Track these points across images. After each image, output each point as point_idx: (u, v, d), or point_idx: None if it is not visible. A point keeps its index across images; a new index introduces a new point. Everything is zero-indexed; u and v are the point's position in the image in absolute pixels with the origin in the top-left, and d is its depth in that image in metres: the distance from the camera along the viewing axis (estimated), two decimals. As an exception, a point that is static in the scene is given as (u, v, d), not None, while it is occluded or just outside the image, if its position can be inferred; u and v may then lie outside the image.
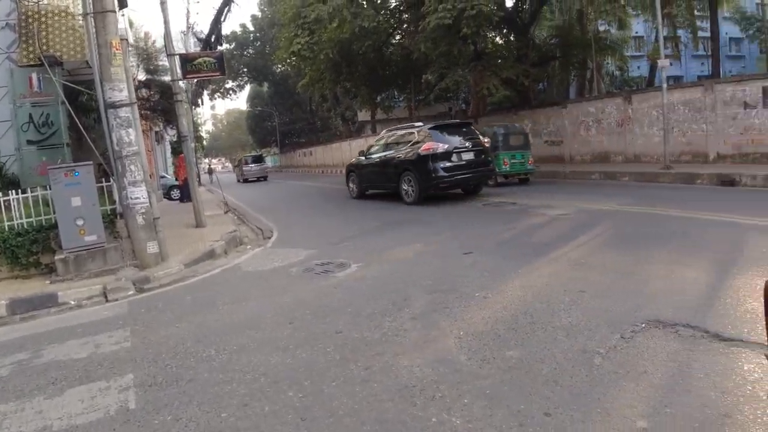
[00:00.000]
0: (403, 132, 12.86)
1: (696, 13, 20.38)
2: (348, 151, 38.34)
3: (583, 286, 4.90)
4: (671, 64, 18.72)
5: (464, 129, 12.43)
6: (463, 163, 11.60)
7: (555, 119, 20.35)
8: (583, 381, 3.06)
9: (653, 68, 23.44)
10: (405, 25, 21.84)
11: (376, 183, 13.74)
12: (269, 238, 9.27)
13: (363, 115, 39.91)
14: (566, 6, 24.21)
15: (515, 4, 20.68)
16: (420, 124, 12.86)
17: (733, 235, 6.67)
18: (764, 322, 2.15)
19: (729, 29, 26.01)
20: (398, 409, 2.86)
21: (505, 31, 21.73)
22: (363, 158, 14.18)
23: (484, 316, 4.25)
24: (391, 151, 12.73)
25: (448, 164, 11.40)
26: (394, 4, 20.88)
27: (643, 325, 3.86)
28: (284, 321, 4.48)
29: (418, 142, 11.86)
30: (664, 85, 14.39)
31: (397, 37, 23.52)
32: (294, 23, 18.74)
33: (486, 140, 12.68)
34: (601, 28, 26.66)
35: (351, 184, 14.84)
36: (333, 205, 14.07)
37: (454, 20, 14.88)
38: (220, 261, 7.54)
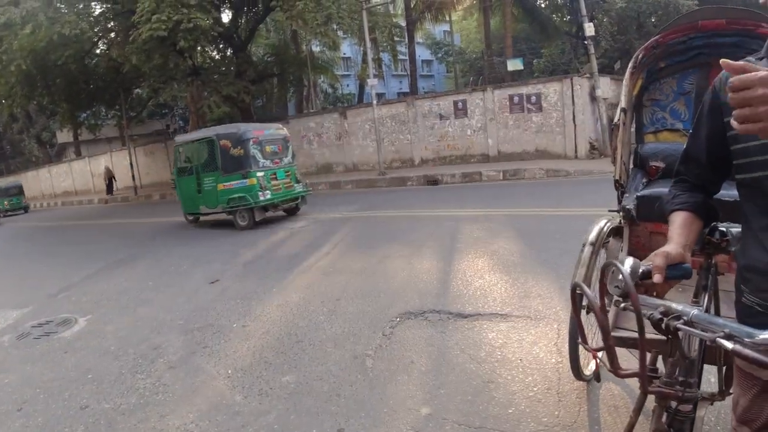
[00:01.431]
0: None
1: (395, 38, 23.62)
2: (48, 179, 32.59)
3: (338, 294, 5.09)
4: (378, 83, 21.24)
5: None
6: None
7: (279, 134, 20.94)
8: (363, 386, 3.13)
9: (362, 86, 26.23)
10: (113, 35, 19.55)
11: None
12: (-51, 302, 7.10)
13: (64, 136, 34.25)
14: (281, 26, 25.17)
15: (232, 20, 20.49)
16: None
17: (449, 226, 7.86)
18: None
19: (421, 52, 30.95)
20: (181, 478, 2.45)
21: (222, 46, 21.38)
22: None
23: (249, 347, 4.01)
24: None
25: None
26: (99, 11, 18.45)
27: (398, 319, 4.19)
28: (11, 409, 3.41)
29: None
30: (375, 102, 16.22)
31: (103, 47, 20.95)
32: None
33: None
34: (316, 49, 28.53)
35: None
36: (40, 247, 11.70)
37: (170, 32, 13.95)
38: None
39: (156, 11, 13.79)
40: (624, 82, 2.95)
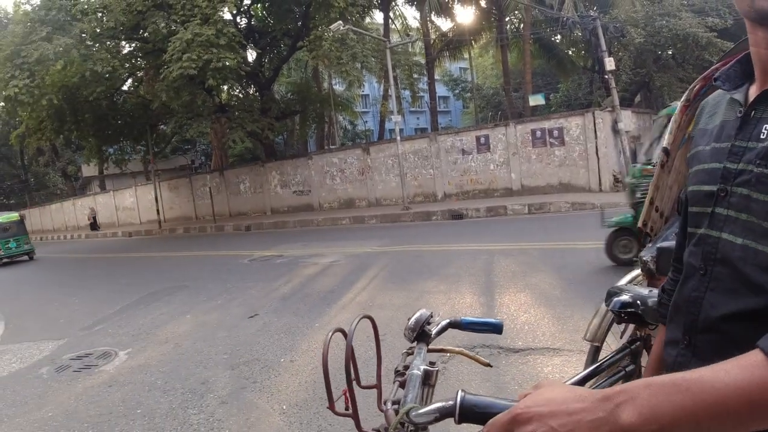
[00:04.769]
0: None
1: (415, 76, 24.20)
2: (72, 212, 33.20)
3: (383, 329, 4.97)
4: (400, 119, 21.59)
5: None
6: None
7: (302, 170, 21.22)
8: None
9: (382, 122, 26.63)
10: (140, 73, 20.22)
11: None
12: (-12, 332, 7.17)
13: (90, 170, 35.09)
14: (302, 64, 25.83)
15: (257, 59, 21.15)
16: None
17: (483, 260, 7.78)
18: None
19: (438, 89, 31.51)
20: None
21: (245, 83, 22.00)
22: None
23: (300, 382, 3.96)
24: None
25: None
26: (128, 50, 19.15)
27: (448, 355, 4.11)
28: (57, 447, 3.41)
29: None
30: (398, 138, 16.44)
31: (129, 85, 21.71)
32: (11, 62, 15.49)
33: None
34: (338, 87, 29.18)
35: None
36: (71, 279, 11.84)
37: (199, 71, 14.42)
38: None
39: (187, 51, 14.27)
40: (673, 118, 2.54)
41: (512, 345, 4.14)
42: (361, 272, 7.98)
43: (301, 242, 12.55)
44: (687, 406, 0.58)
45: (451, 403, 0.79)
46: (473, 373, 3.72)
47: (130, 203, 29.00)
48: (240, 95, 22.80)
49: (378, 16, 26.09)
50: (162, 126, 24.14)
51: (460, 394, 0.78)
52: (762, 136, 0.77)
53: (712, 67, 2.49)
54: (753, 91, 0.85)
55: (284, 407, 3.53)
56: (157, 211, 23.29)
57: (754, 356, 0.60)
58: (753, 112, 0.82)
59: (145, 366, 4.81)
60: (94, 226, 28.18)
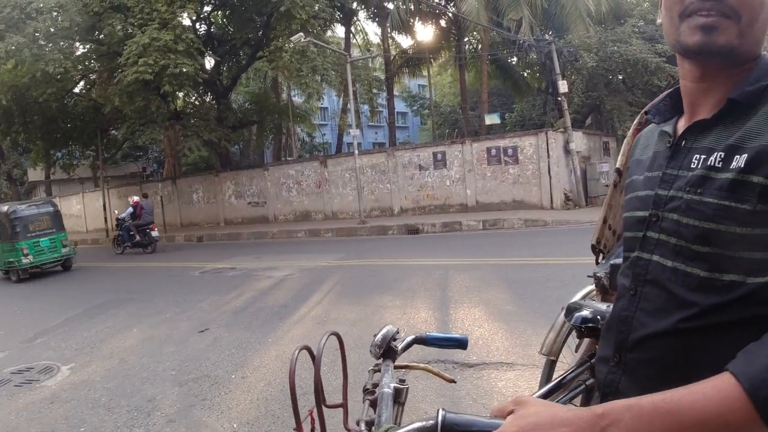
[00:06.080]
0: None
1: (374, 91, 24.37)
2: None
3: (337, 344, 4.99)
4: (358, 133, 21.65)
5: None
6: None
7: (257, 181, 20.92)
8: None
9: (340, 135, 26.63)
10: (93, 75, 19.57)
11: None
12: None
13: (36, 174, 33.46)
14: (261, 74, 25.58)
15: (215, 67, 20.85)
16: None
17: (438, 275, 7.87)
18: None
19: (396, 105, 31.85)
20: None
21: (201, 91, 21.64)
22: None
23: (252, 399, 3.89)
24: None
25: None
26: (82, 51, 18.50)
27: (403, 371, 4.13)
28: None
29: None
30: (356, 152, 16.48)
31: (81, 87, 20.97)
32: None
33: None
34: (297, 99, 29.04)
35: None
36: (14, 290, 11.21)
37: (156, 76, 14.08)
38: None
39: (143, 55, 13.93)
40: (626, 140, 2.75)
41: (467, 360, 4.21)
42: (316, 286, 7.92)
43: (255, 255, 12.35)
44: (669, 429, 0.61)
45: (431, 422, 0.77)
46: (429, 388, 3.76)
47: (76, 210, 27.83)
48: (196, 103, 22.37)
49: (339, 30, 26.29)
50: (113, 131, 23.33)
51: (441, 412, 0.77)
52: (692, 165, 0.84)
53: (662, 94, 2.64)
54: (682, 124, 0.93)
55: (235, 425, 3.46)
56: (105, 219, 22.41)
57: (726, 379, 0.64)
58: (683, 142, 0.89)
59: (88, 382, 4.62)
60: None
